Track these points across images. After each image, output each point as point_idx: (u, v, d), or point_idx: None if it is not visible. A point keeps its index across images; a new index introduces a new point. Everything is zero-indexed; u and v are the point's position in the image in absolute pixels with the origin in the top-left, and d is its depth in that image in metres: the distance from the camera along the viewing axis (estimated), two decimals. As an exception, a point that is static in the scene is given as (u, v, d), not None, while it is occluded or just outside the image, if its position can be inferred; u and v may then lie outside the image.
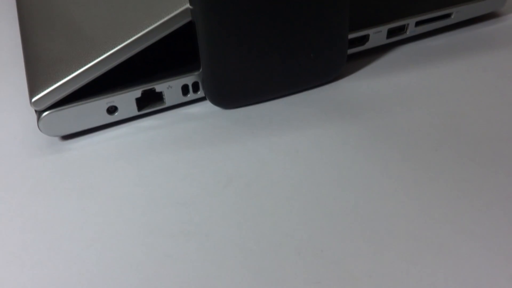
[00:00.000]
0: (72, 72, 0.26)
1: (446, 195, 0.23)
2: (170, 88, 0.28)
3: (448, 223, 0.22)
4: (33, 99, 0.25)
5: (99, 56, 0.26)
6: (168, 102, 0.28)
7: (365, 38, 0.31)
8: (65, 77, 0.25)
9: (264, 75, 0.28)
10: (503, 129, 0.27)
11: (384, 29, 0.32)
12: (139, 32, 0.26)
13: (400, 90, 0.30)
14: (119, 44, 0.26)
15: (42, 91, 0.25)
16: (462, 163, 0.25)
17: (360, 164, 0.25)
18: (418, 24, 0.33)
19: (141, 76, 0.28)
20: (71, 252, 0.22)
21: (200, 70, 0.27)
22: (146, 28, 0.26)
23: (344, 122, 0.28)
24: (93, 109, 0.27)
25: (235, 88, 0.28)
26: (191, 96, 0.29)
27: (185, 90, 0.28)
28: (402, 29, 0.32)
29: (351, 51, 0.31)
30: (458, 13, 0.33)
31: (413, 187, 0.24)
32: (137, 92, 0.27)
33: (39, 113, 0.26)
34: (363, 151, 0.26)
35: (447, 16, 0.33)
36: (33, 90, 0.25)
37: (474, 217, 0.22)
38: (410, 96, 0.29)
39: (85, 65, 0.26)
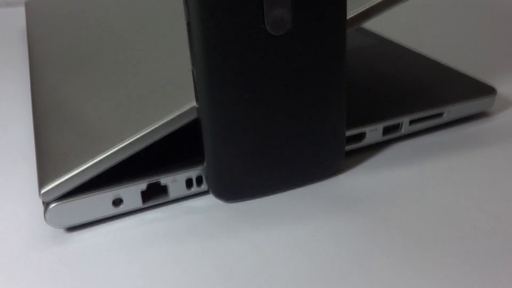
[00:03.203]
0: (81, 166, 0.26)
1: (446, 289, 0.23)
2: (174, 182, 0.29)
3: (450, 317, 0.22)
4: (42, 191, 0.26)
5: (107, 151, 0.27)
6: (172, 195, 0.29)
7: (362, 135, 0.33)
8: (74, 170, 0.26)
9: (265, 171, 0.29)
10: (501, 222, 0.27)
11: (379, 127, 0.33)
12: (146, 129, 0.27)
13: (398, 185, 0.31)
14: (127, 140, 0.27)
15: (51, 183, 0.26)
16: (462, 256, 0.25)
17: (361, 257, 0.25)
18: (412, 122, 0.34)
19: (147, 169, 0.29)
20: None
21: (204, 164, 0.28)
22: (153, 124, 0.27)
23: (344, 216, 0.28)
24: (99, 201, 0.27)
25: (238, 183, 0.29)
26: (194, 189, 0.29)
27: (189, 183, 0.29)
28: (397, 127, 0.34)
29: (349, 147, 0.32)
30: (450, 112, 0.35)
31: (414, 280, 0.24)
32: (142, 185, 0.28)
33: (46, 204, 0.27)
34: (364, 244, 0.26)
35: (439, 115, 0.35)
36: (42, 182, 0.26)
37: (476, 311, 0.22)
38: (408, 191, 0.30)
39: (93, 159, 0.27)
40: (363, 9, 0.29)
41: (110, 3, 0.45)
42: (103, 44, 0.38)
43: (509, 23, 0.60)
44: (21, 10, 0.55)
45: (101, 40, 0.39)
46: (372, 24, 0.42)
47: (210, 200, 0.30)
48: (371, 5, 0.29)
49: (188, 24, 0.24)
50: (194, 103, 0.27)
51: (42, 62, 0.40)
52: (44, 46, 0.42)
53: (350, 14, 0.28)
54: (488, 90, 0.37)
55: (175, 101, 0.28)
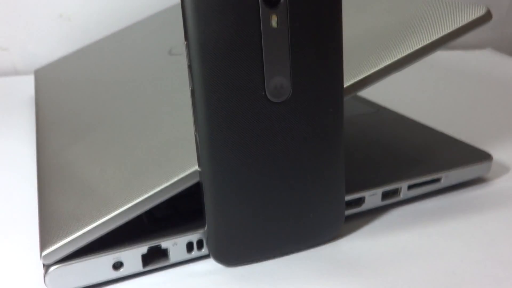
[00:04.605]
0: (83, 229, 0.27)
1: None
2: (175, 245, 0.29)
3: None
4: (44, 253, 0.26)
5: (109, 214, 0.27)
6: (173, 259, 0.29)
7: (361, 200, 0.33)
8: (75, 233, 0.26)
9: (266, 235, 0.29)
10: (502, 286, 0.27)
11: (378, 191, 0.34)
12: (148, 192, 0.28)
13: (397, 250, 0.31)
14: (129, 203, 0.27)
15: (53, 245, 0.26)
16: (463, 322, 0.25)
17: (361, 323, 0.25)
18: (410, 187, 0.35)
19: (147, 232, 0.29)
20: None
21: (205, 228, 0.29)
22: (155, 188, 0.28)
23: (344, 280, 0.28)
24: (100, 265, 0.27)
25: (238, 247, 0.29)
26: (195, 253, 0.29)
27: (189, 247, 0.29)
28: (395, 192, 0.34)
29: (348, 212, 0.33)
30: (447, 178, 0.36)
31: None
32: (143, 249, 0.28)
33: (47, 267, 0.27)
34: (364, 309, 0.26)
35: (437, 180, 0.36)
36: (44, 244, 0.26)
37: None
38: (408, 256, 0.30)
39: (95, 222, 0.27)
40: (360, 78, 0.30)
41: (116, 71, 0.46)
42: (108, 110, 0.39)
43: (503, 91, 0.62)
44: (30, 78, 0.57)
45: (107, 106, 0.40)
46: (369, 93, 0.43)
47: (210, 264, 0.30)
48: (368, 74, 0.30)
49: (192, 91, 0.25)
50: (196, 167, 0.28)
51: (48, 127, 0.41)
52: (51, 112, 0.43)
53: (347, 82, 0.29)
54: (484, 156, 0.38)
55: (177, 165, 0.29)
